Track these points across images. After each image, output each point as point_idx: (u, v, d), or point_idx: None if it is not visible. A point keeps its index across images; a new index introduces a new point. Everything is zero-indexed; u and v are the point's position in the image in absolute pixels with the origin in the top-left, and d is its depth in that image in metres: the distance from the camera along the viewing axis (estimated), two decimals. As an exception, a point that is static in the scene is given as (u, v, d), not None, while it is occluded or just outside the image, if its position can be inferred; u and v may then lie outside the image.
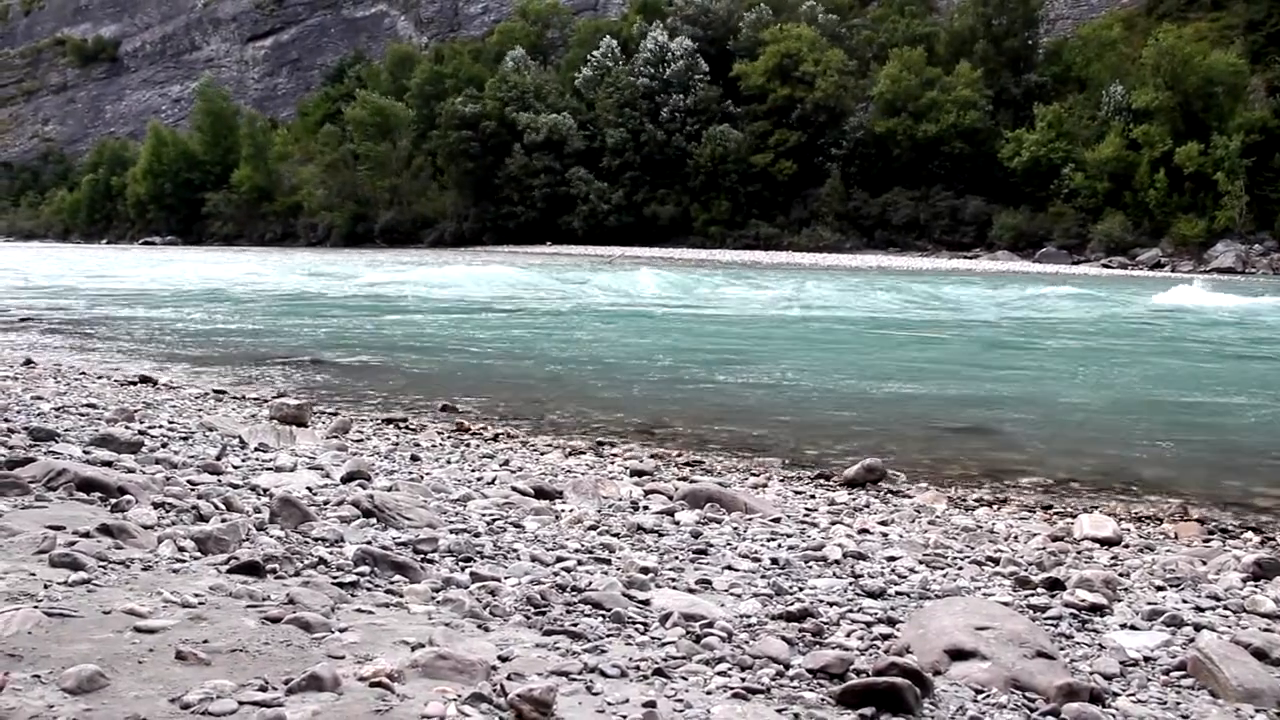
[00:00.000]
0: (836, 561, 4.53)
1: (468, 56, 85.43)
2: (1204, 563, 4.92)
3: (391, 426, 8.58)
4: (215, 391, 10.12)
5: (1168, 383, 12.50)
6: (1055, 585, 4.26)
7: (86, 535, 3.64)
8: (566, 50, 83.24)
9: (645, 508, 5.57)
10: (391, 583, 3.64)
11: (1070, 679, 3.05)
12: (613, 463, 7.35)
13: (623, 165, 70.75)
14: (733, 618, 3.57)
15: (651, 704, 2.60)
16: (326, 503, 4.76)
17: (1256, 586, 4.42)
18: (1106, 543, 5.35)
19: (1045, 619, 3.82)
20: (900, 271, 45.92)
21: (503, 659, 2.86)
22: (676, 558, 4.47)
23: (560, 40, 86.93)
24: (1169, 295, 27.02)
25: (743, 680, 2.93)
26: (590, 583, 3.85)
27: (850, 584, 4.16)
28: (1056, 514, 6.28)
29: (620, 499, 5.80)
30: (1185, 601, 4.17)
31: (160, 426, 6.91)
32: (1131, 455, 8.03)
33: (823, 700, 2.83)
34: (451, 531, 4.48)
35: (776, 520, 5.43)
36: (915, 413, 9.92)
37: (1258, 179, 50.04)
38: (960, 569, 4.63)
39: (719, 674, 2.96)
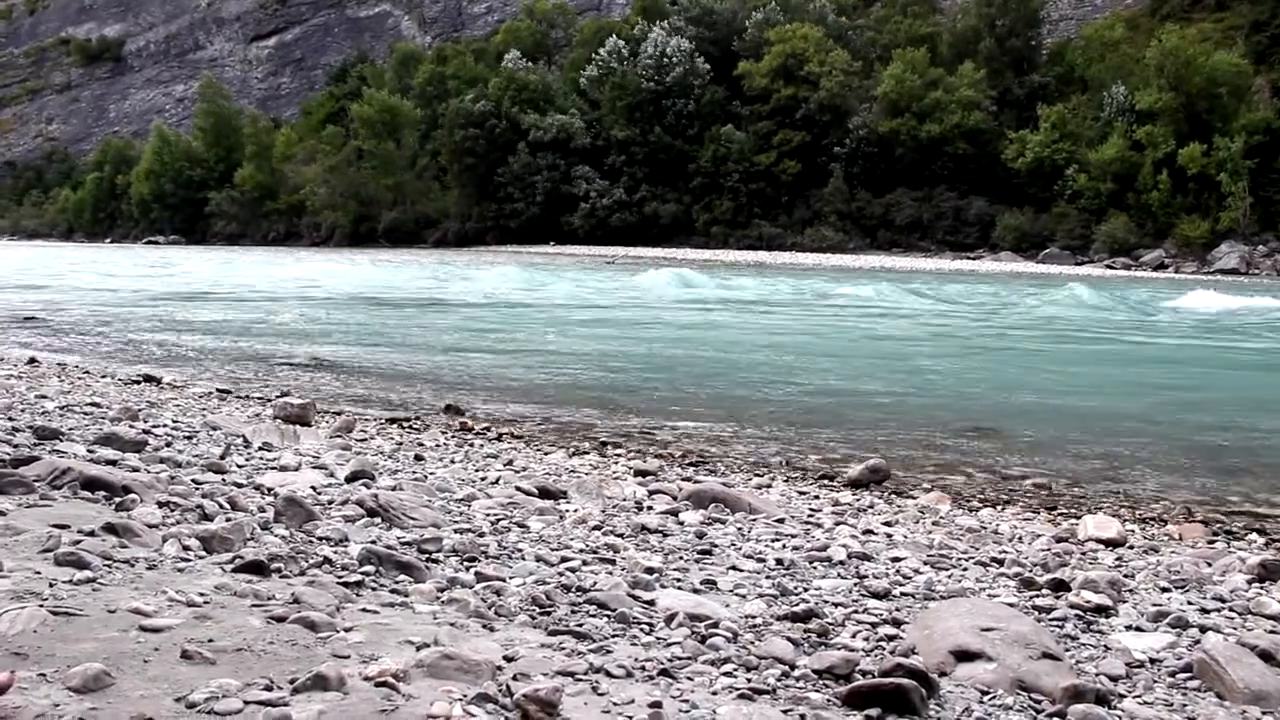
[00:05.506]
0: (841, 562, 4.53)
1: (470, 56, 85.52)
2: (1209, 564, 4.91)
3: (395, 426, 8.58)
4: (219, 390, 10.12)
5: (1173, 384, 12.49)
6: (1060, 586, 4.25)
7: (91, 534, 3.64)
8: (570, 50, 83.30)
9: (649, 508, 5.57)
10: (396, 582, 3.63)
11: (1076, 680, 3.04)
12: (617, 463, 7.35)
13: (627, 162, 70.82)
14: (738, 618, 3.57)
15: (657, 704, 2.59)
16: (331, 502, 4.76)
17: (1262, 588, 4.40)
18: (1111, 544, 5.34)
19: (1050, 620, 3.81)
20: (903, 272, 45.90)
21: (508, 659, 2.86)
22: (681, 558, 4.47)
23: (564, 40, 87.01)
24: (1176, 298, 26.98)
25: (748, 681, 2.92)
26: (595, 583, 3.85)
27: (855, 585, 4.15)
28: (1061, 515, 6.27)
29: (624, 499, 5.80)
30: (1190, 603, 4.15)
31: (164, 425, 6.91)
32: (1136, 457, 8.02)
33: (828, 701, 2.82)
34: (456, 531, 4.48)
35: (781, 521, 5.42)
36: (919, 413, 9.91)
37: (1261, 180, 50.01)
38: (965, 570, 4.62)
39: (724, 674, 2.96)
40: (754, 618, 3.61)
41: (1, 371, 10.20)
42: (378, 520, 4.49)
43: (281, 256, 54.24)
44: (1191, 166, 50.64)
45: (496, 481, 6.07)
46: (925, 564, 4.63)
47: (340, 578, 3.58)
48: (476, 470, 6.57)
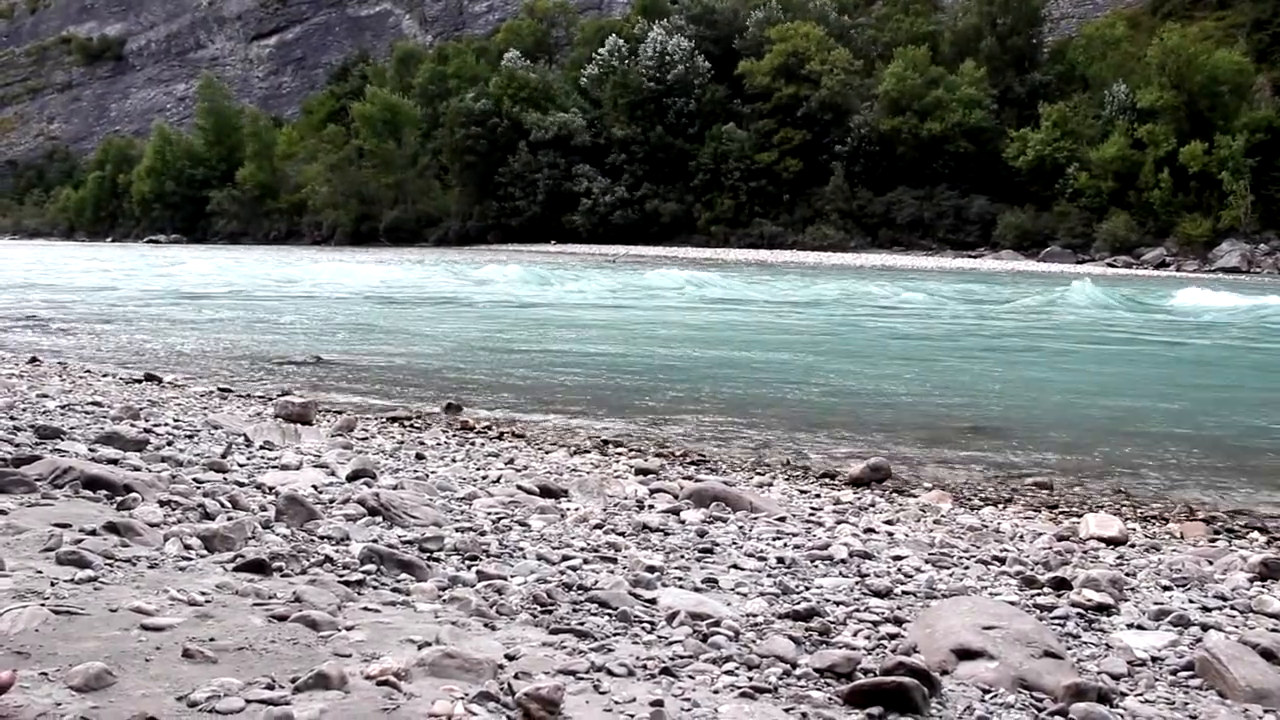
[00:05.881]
0: (842, 560, 4.53)
1: (471, 55, 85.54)
2: (1210, 563, 4.91)
3: (396, 425, 8.58)
4: (220, 389, 10.13)
5: (1175, 383, 12.48)
6: (1062, 585, 4.25)
7: (93, 533, 3.64)
8: (571, 49, 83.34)
9: (651, 506, 5.57)
10: (398, 581, 3.63)
11: (1078, 679, 3.04)
12: (618, 461, 7.35)
13: (628, 161, 70.86)
14: (739, 617, 3.57)
15: (659, 703, 2.59)
16: (332, 501, 4.76)
17: (1263, 587, 4.40)
18: (1112, 542, 5.34)
19: (1052, 619, 3.81)
20: (905, 271, 45.88)
21: (509, 658, 2.86)
22: (682, 556, 4.47)
23: (565, 39, 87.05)
24: (1177, 296, 26.95)
25: (750, 679, 2.92)
26: (596, 581, 3.85)
27: (856, 583, 4.15)
28: (1062, 513, 6.27)
29: (626, 498, 5.80)
30: (1192, 601, 4.15)
31: (165, 424, 6.91)
32: (1137, 455, 8.01)
33: (830, 700, 2.82)
34: (457, 530, 4.48)
35: (782, 519, 5.42)
36: (921, 412, 9.91)
37: (1263, 178, 49.96)
38: (966, 568, 4.62)
39: (726, 673, 2.96)
40: (755, 616, 3.61)
41: (3, 370, 10.21)
42: (379, 519, 4.49)
43: (285, 255, 54.28)
44: (1193, 165, 50.60)
45: (498, 480, 6.07)
46: (927, 562, 4.62)
47: (342, 576, 3.58)
48: (478, 469, 6.57)
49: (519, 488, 5.70)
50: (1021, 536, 5.52)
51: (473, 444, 7.74)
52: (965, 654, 3.16)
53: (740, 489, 6.03)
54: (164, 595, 3.04)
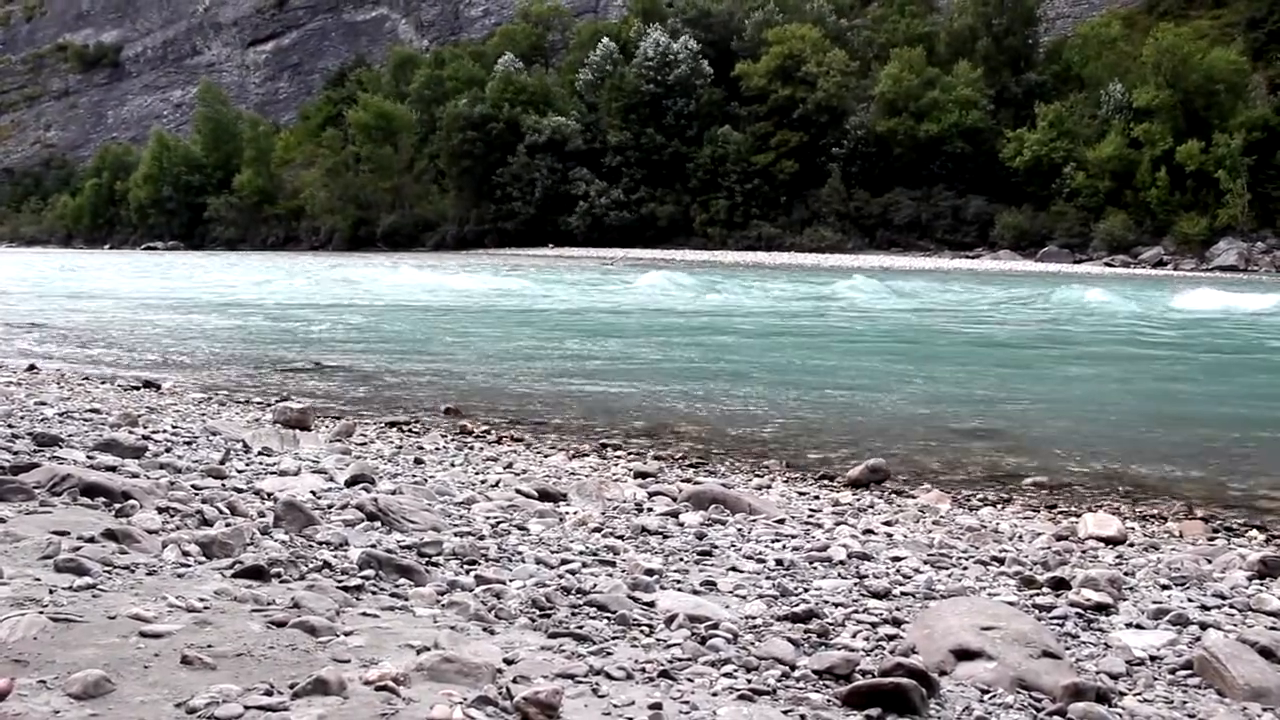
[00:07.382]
0: (841, 562, 4.53)
1: (468, 59, 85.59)
2: (1209, 561, 4.91)
3: (395, 430, 8.58)
4: (219, 395, 10.12)
5: (1172, 382, 12.49)
6: (1060, 585, 4.25)
7: (91, 540, 3.64)
8: (568, 52, 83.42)
9: (649, 509, 5.57)
10: (396, 586, 3.63)
11: (1076, 678, 3.04)
12: (617, 465, 7.35)
13: (624, 164, 70.91)
14: (738, 619, 3.57)
15: (657, 706, 2.60)
16: (331, 506, 4.76)
17: (1262, 585, 4.41)
18: (1111, 541, 5.34)
19: (1051, 618, 3.81)
20: (902, 272, 45.89)
21: (508, 662, 2.86)
22: (681, 559, 4.47)
23: (562, 43, 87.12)
24: (1176, 295, 26.95)
25: (748, 682, 2.92)
26: (595, 585, 3.85)
27: (855, 585, 4.15)
28: (1061, 513, 6.27)
29: (624, 501, 5.80)
30: (1191, 600, 4.16)
31: (164, 431, 6.91)
32: (1136, 454, 8.01)
33: (829, 701, 2.82)
34: (456, 534, 4.48)
35: (781, 521, 5.42)
36: (919, 414, 9.91)
37: (1259, 177, 50.07)
38: (965, 569, 4.62)
39: (725, 675, 2.96)
40: (754, 618, 3.62)
41: (1, 378, 10.20)
42: (378, 524, 4.49)
43: (284, 261, 54.23)
44: (1189, 164, 50.70)
45: (496, 484, 6.07)
46: (925, 563, 4.63)
47: (340, 582, 3.58)
48: (476, 473, 6.57)
49: (518, 491, 5.70)
50: (1020, 537, 5.52)
51: (471, 448, 7.74)
52: (964, 654, 3.17)
53: (739, 491, 6.03)
54: (162, 602, 3.04)
